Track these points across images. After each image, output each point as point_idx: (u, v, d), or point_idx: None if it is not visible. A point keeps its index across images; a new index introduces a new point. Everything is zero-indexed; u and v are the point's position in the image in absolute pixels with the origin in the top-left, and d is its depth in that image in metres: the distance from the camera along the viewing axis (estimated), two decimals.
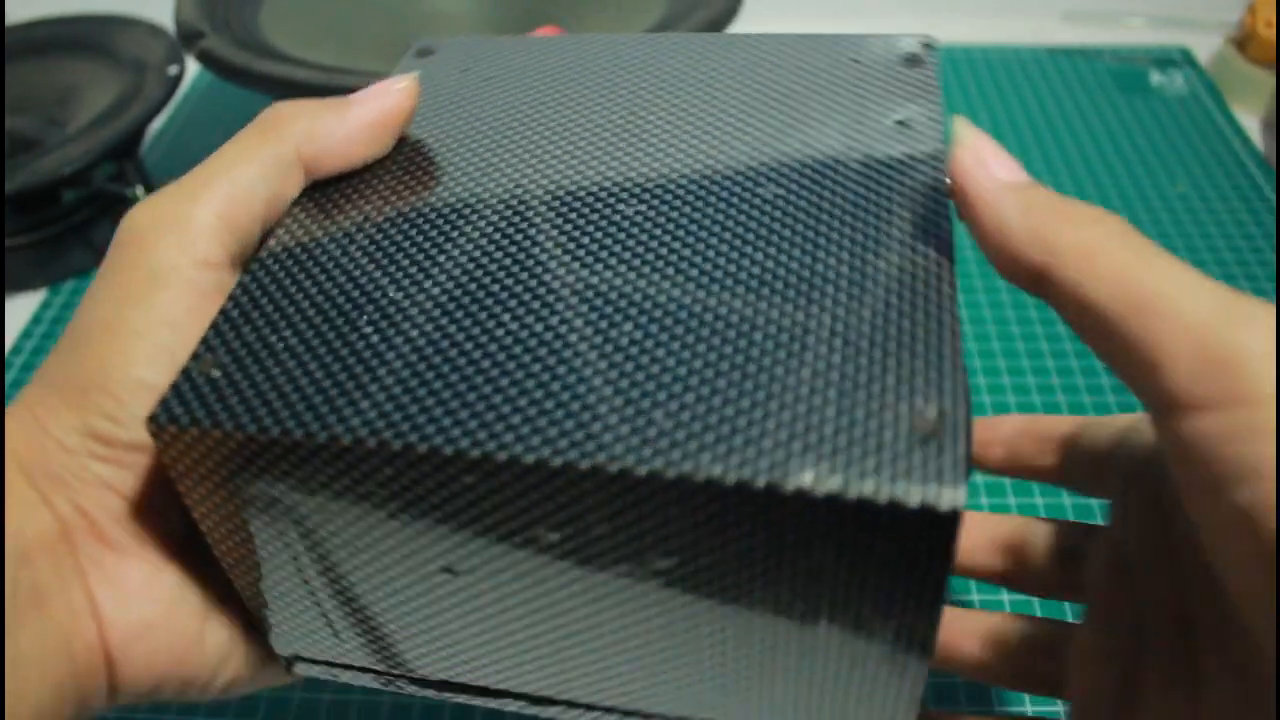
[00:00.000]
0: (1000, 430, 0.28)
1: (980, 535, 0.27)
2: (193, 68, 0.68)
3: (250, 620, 0.23)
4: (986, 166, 0.19)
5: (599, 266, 0.20)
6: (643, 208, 0.22)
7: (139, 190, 0.50)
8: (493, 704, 0.23)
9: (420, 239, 0.21)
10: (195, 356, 0.19)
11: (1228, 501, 0.16)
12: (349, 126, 0.23)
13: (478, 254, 0.21)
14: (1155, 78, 0.63)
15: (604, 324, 0.19)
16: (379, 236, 0.22)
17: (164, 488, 0.21)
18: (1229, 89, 0.61)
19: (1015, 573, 0.26)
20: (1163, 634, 0.21)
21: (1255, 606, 0.16)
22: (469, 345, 0.19)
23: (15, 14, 0.57)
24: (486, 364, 0.18)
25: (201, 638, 0.22)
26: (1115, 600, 0.23)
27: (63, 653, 0.20)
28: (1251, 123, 0.59)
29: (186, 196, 0.22)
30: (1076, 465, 0.26)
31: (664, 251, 0.20)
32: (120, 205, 0.51)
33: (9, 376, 0.46)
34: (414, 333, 0.19)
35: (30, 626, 0.19)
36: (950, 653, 0.26)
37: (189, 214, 0.21)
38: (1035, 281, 0.18)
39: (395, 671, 0.23)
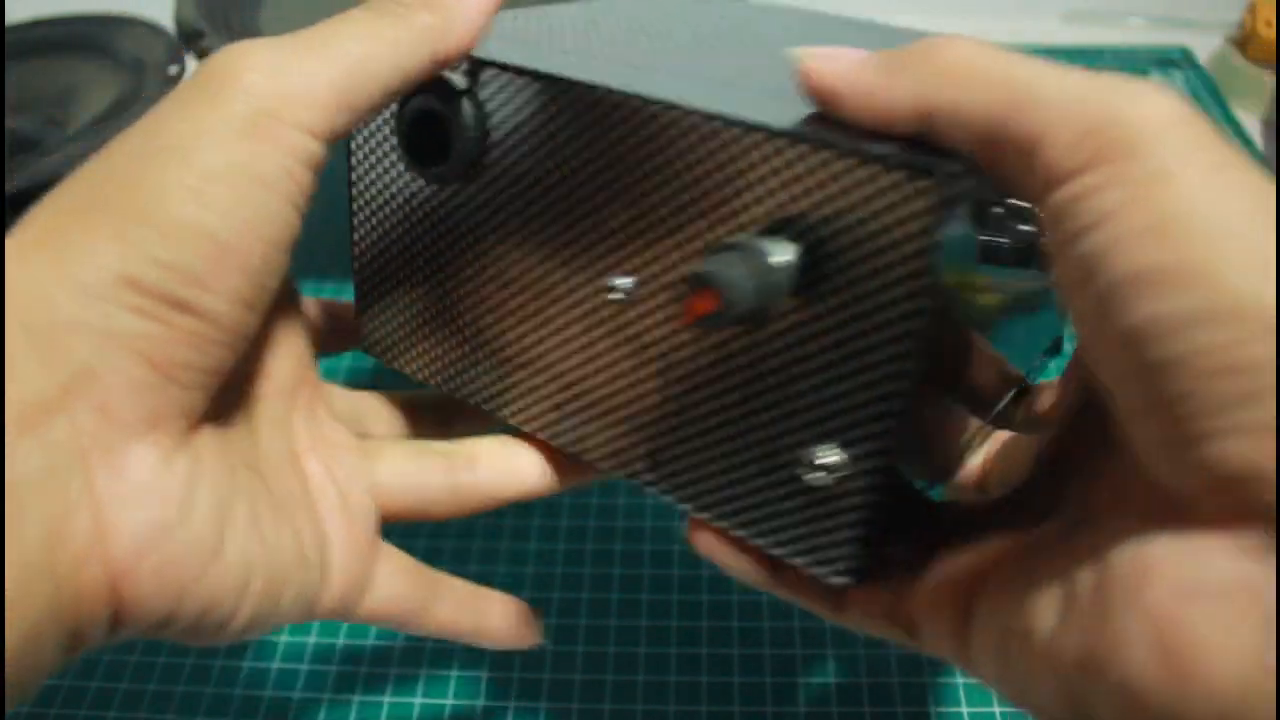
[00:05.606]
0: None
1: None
2: (192, 68, 0.68)
3: (272, 536, 0.19)
4: (833, 59, 0.18)
5: None
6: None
7: None
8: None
9: None
10: None
11: (1094, 279, 0.15)
12: (466, 5, 0.20)
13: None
14: (1155, 78, 0.63)
15: None
16: None
17: (197, 349, 0.17)
18: (1229, 89, 0.61)
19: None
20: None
21: (1129, 397, 0.15)
22: None
23: (15, 14, 0.57)
24: None
25: (219, 547, 0.17)
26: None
27: (45, 569, 0.15)
28: (1252, 123, 0.59)
29: (301, 50, 0.18)
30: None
31: None
32: None
33: None
34: None
35: (11, 532, 0.14)
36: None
37: (302, 69, 0.18)
38: (918, 128, 0.17)
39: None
